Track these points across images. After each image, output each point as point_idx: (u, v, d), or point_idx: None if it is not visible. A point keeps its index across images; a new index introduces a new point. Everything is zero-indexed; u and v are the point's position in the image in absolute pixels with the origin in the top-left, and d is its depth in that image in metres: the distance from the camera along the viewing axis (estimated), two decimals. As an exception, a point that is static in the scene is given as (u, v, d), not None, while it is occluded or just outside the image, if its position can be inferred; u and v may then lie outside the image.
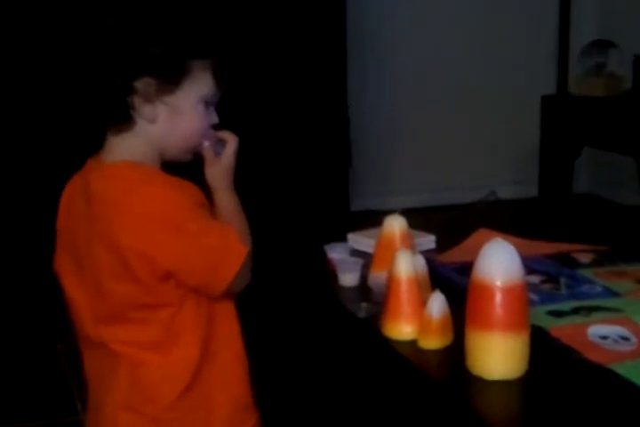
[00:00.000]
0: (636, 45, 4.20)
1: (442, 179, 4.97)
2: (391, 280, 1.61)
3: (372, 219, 2.00)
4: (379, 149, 4.86)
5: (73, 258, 1.52)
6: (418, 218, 1.98)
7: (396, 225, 1.83)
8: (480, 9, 4.85)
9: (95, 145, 1.51)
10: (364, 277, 1.86)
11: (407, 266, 1.60)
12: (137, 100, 1.45)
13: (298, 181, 4.16)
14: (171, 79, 1.46)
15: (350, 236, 2.10)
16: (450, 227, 2.23)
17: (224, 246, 1.45)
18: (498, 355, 1.42)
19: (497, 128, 4.99)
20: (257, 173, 3.93)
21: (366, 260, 1.88)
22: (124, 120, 1.46)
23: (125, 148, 1.48)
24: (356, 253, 1.99)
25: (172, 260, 1.42)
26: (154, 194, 1.43)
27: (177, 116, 1.48)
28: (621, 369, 1.44)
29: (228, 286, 1.46)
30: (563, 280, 1.81)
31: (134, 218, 1.41)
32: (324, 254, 1.95)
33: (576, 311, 1.68)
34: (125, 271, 1.43)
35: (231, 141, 1.56)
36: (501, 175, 5.02)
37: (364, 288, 1.84)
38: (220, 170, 1.56)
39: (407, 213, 1.86)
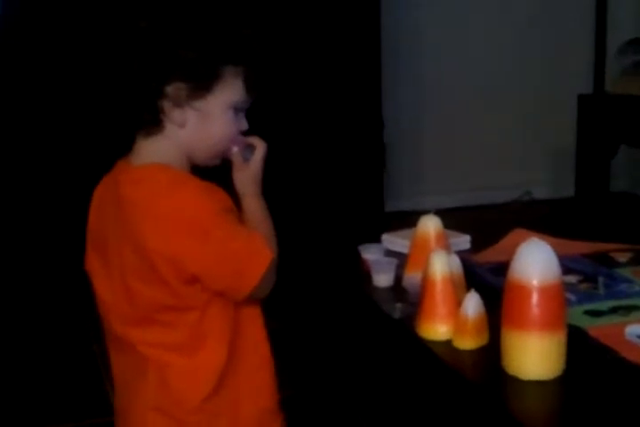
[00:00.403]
0: (674, 43, 4.16)
1: (476, 179, 4.95)
2: (426, 280, 1.60)
3: (407, 219, 2.00)
4: (412, 151, 4.85)
5: (102, 259, 1.53)
6: (452, 218, 1.98)
7: (430, 225, 1.83)
8: (515, 7, 4.83)
9: (124, 147, 1.52)
10: (398, 278, 1.86)
11: (442, 266, 1.60)
12: (167, 105, 1.45)
13: (333, 183, 4.17)
14: (202, 85, 1.46)
15: (384, 236, 2.09)
16: (485, 227, 2.22)
17: (249, 252, 1.45)
18: (534, 355, 1.41)
19: (532, 127, 4.96)
20: (293, 176, 3.94)
21: (401, 260, 1.88)
22: (153, 123, 1.47)
23: (154, 151, 1.49)
24: (390, 253, 1.99)
25: (197, 264, 1.42)
26: (182, 197, 1.43)
27: (206, 122, 1.48)
28: (660, 369, 1.42)
29: (252, 290, 1.46)
30: (600, 280, 1.79)
31: (162, 221, 1.41)
32: (358, 255, 1.95)
33: (614, 311, 1.66)
34: (152, 274, 1.43)
35: (260, 147, 1.56)
36: (537, 175, 4.99)
37: (398, 289, 1.83)
38: (248, 176, 1.56)
39: (441, 214, 1.86)
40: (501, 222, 2.72)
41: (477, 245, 2.07)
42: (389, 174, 4.46)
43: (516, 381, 1.42)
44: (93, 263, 1.56)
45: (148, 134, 1.48)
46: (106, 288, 1.52)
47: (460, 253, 1.79)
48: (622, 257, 1.96)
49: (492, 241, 2.08)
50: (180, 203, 1.42)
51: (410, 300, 1.71)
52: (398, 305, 1.74)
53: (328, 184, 4.16)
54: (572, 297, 1.69)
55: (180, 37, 1.44)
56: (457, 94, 4.85)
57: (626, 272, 1.86)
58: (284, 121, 3.99)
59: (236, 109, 1.51)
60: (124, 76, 1.46)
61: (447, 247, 1.79)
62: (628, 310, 1.66)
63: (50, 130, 3.79)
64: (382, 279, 1.86)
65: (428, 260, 1.61)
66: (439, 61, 4.79)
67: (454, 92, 4.84)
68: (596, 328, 1.58)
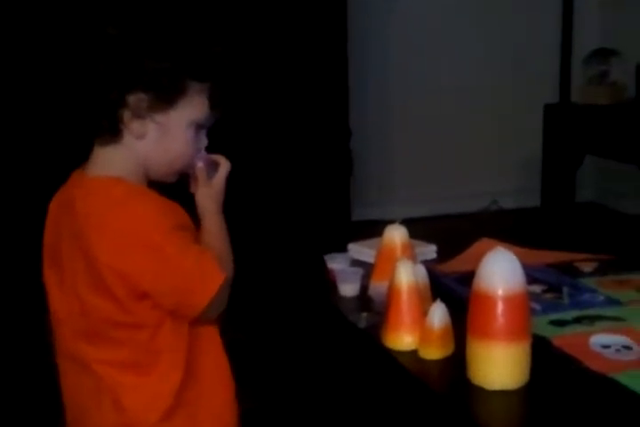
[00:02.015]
0: (639, 53, 4.20)
1: (443, 188, 4.97)
2: (392, 290, 1.60)
3: (373, 229, 1.99)
4: (380, 160, 4.85)
5: (57, 272, 1.51)
6: (419, 228, 1.98)
7: (396, 235, 1.83)
8: (481, 18, 4.85)
9: (82, 155, 1.50)
10: (364, 288, 1.85)
11: (408, 276, 1.59)
12: (127, 114, 1.43)
13: (299, 191, 4.16)
14: (165, 97, 1.43)
15: (350, 246, 2.09)
16: (451, 237, 2.22)
17: (201, 271, 1.42)
18: (499, 365, 1.41)
19: (499, 137, 4.99)
20: (258, 183, 3.93)
21: (367, 270, 1.87)
22: (111, 132, 1.44)
23: (110, 161, 1.46)
24: (356, 263, 1.99)
25: (148, 281, 1.40)
26: (135, 212, 1.41)
27: (166, 136, 1.46)
28: (623, 378, 1.43)
29: (202, 310, 1.44)
30: (565, 289, 1.80)
31: (113, 235, 1.40)
32: (324, 265, 1.95)
33: (578, 321, 1.67)
34: (104, 289, 1.41)
35: (223, 165, 1.54)
36: (504, 185, 5.01)
37: (364, 298, 1.83)
38: (210, 193, 1.53)
39: (408, 223, 1.86)
40: (468, 232, 2.73)
41: (444, 255, 2.08)
42: (356, 183, 4.46)
43: (481, 390, 1.42)
44: (49, 276, 1.54)
45: (106, 143, 1.46)
46: (60, 302, 1.51)
47: (426, 263, 1.79)
48: (587, 267, 1.97)
49: (459, 251, 2.09)
50: (133, 217, 1.40)
51: (375, 309, 1.71)
52: (364, 315, 1.73)
53: (294, 192, 4.15)
54: (537, 307, 1.69)
55: (148, 48, 1.42)
56: (425, 104, 4.86)
57: (590, 282, 1.87)
58: (250, 128, 3.98)
59: (199, 126, 1.49)
60: (86, 81, 1.44)
61: (413, 257, 1.79)
62: (592, 319, 1.67)
63: (10, 134, 3.75)
64: (348, 289, 1.86)
65: (394, 269, 1.61)
66: (407, 71, 4.80)
67: (422, 102, 4.85)
68: (561, 338, 1.59)
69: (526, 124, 4.73)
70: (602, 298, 1.77)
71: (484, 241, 2.09)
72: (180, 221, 1.45)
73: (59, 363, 1.56)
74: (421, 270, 1.66)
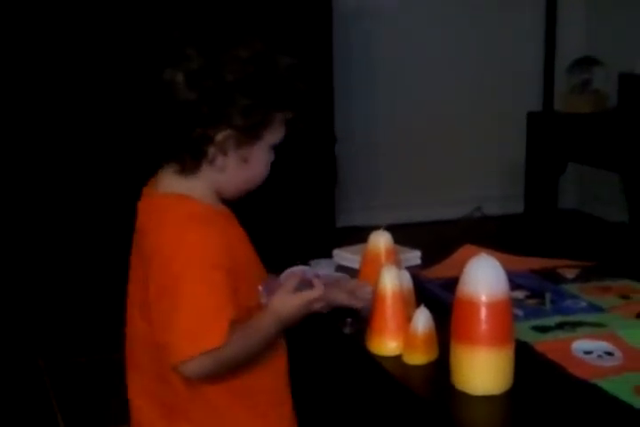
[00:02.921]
0: (621, 63, 4.22)
1: (427, 195, 4.98)
2: (376, 296, 1.61)
3: (358, 235, 2.00)
4: (364, 166, 4.86)
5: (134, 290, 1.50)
6: (403, 234, 1.98)
7: (381, 241, 1.84)
8: (466, 25, 4.87)
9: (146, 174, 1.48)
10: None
11: (392, 281, 1.60)
12: (212, 151, 1.40)
13: (284, 198, 4.16)
14: (253, 133, 1.41)
15: (336, 251, 2.10)
16: (435, 243, 2.23)
17: (197, 326, 1.34)
18: (482, 370, 1.42)
19: (483, 145, 5.00)
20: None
21: (351, 276, 1.88)
22: (191, 166, 1.41)
23: (182, 185, 1.43)
24: (341, 268, 1.99)
25: (155, 304, 1.38)
26: (183, 238, 1.37)
27: (247, 166, 1.44)
28: (605, 384, 1.44)
29: (176, 365, 1.35)
30: (547, 295, 1.81)
31: (161, 256, 1.37)
32: (309, 270, 1.95)
33: (560, 327, 1.68)
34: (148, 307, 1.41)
35: (316, 289, 1.46)
36: (487, 191, 5.03)
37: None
38: (287, 301, 1.44)
39: (392, 229, 1.86)
40: (452, 238, 2.74)
41: (428, 261, 2.08)
42: (341, 189, 4.46)
43: (464, 396, 1.43)
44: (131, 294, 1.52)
45: (182, 173, 1.43)
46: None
47: (411, 269, 1.80)
48: (569, 273, 1.98)
49: (443, 257, 2.10)
50: (180, 243, 1.37)
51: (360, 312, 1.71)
52: (348, 320, 1.74)
53: (279, 198, 4.15)
54: (520, 313, 1.71)
55: (238, 83, 1.38)
56: (410, 110, 4.87)
57: (573, 288, 1.88)
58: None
59: (273, 148, 1.48)
60: (173, 116, 1.38)
61: (398, 263, 1.80)
62: (575, 325, 1.68)
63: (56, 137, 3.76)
64: (333, 294, 1.86)
65: (379, 275, 1.61)
66: (392, 78, 4.82)
67: (407, 108, 4.87)
68: (543, 344, 1.60)
69: (510, 132, 4.75)
70: (584, 304, 1.78)
71: (468, 247, 2.10)
72: (223, 259, 1.39)
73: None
74: (406, 276, 1.67)
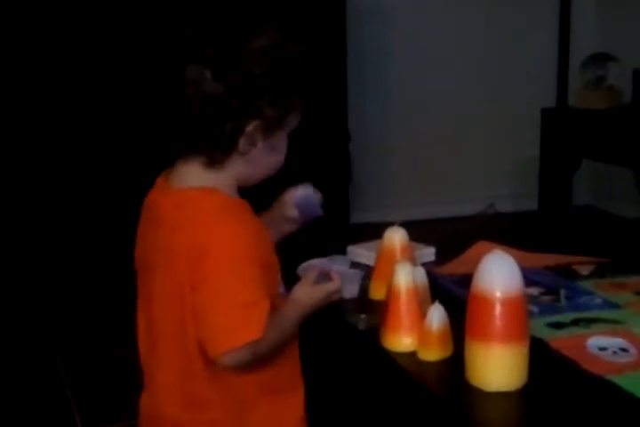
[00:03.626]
0: (636, 59, 4.21)
1: (441, 192, 4.98)
2: (391, 292, 1.61)
3: (372, 231, 2.00)
4: (378, 163, 4.86)
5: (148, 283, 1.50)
6: (417, 230, 1.99)
7: (396, 237, 1.84)
8: (479, 22, 4.86)
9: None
10: (363, 290, 1.86)
11: (407, 278, 1.60)
12: (242, 143, 1.42)
13: (298, 195, 4.17)
14: (280, 122, 1.44)
15: (350, 248, 2.10)
16: (449, 239, 2.23)
17: (239, 318, 1.38)
18: (497, 367, 1.42)
19: (496, 141, 5.00)
20: (257, 186, 3.93)
21: (366, 272, 1.89)
22: (222, 160, 1.43)
23: (207, 178, 1.45)
24: (355, 265, 2.00)
25: (197, 301, 1.39)
26: (215, 231, 1.39)
27: (270, 154, 1.47)
28: (620, 381, 1.44)
29: (218, 356, 1.39)
30: (562, 292, 1.81)
31: (190, 251, 1.38)
32: (323, 267, 1.95)
33: (575, 323, 1.68)
34: (179, 302, 1.42)
35: (335, 282, 1.50)
36: (501, 188, 5.02)
37: (363, 300, 1.84)
38: (309, 292, 1.48)
39: (407, 226, 1.87)
40: (466, 235, 2.73)
41: (442, 258, 2.09)
42: (355, 186, 4.47)
43: (479, 392, 1.43)
44: (141, 288, 1.54)
45: (209, 165, 1.44)
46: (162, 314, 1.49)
47: (425, 265, 1.80)
48: (584, 270, 1.98)
49: (457, 253, 2.10)
50: (213, 236, 1.39)
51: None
52: (363, 316, 1.75)
53: (294, 195, 4.16)
54: (535, 309, 1.71)
55: (270, 76, 1.41)
56: (423, 108, 4.87)
57: (587, 285, 1.88)
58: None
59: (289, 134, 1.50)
60: (205, 109, 1.40)
61: (412, 259, 1.80)
62: (589, 322, 1.68)
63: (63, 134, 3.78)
64: (348, 291, 1.86)
65: (394, 271, 1.62)
66: (406, 75, 4.82)
67: (421, 106, 4.86)
68: (558, 340, 1.60)
69: (524, 129, 4.75)
70: (599, 301, 1.78)
71: (482, 244, 2.10)
72: (258, 252, 1.42)
73: None
74: (420, 272, 1.67)
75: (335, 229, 4.16)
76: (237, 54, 1.40)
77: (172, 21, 3.51)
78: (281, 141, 1.48)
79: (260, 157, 1.46)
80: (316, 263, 1.51)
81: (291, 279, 1.55)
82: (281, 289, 1.52)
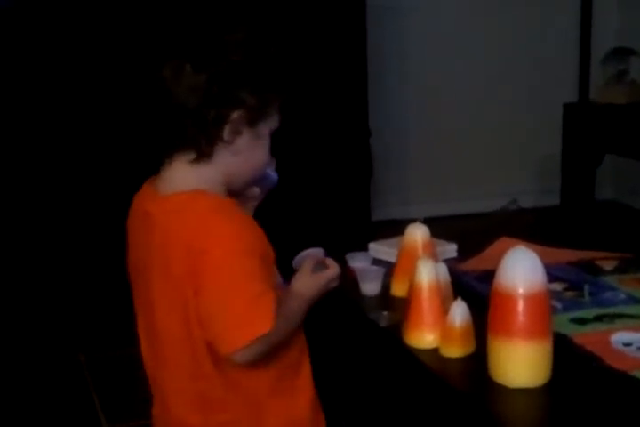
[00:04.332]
0: (657, 53, 4.19)
1: (463, 188, 4.96)
2: (413, 289, 1.61)
3: (394, 228, 2.00)
4: (399, 159, 4.86)
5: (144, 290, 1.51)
6: (439, 227, 1.98)
7: (418, 234, 1.84)
8: (498, 19, 4.85)
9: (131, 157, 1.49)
10: (385, 286, 1.86)
11: (429, 274, 1.60)
12: (226, 131, 1.43)
13: (320, 191, 4.17)
14: (263, 110, 1.46)
15: (371, 245, 2.10)
16: (471, 235, 2.22)
17: (248, 312, 1.38)
18: (520, 363, 1.42)
19: (519, 137, 4.98)
20: (280, 185, 3.93)
21: (387, 269, 1.88)
22: (208, 152, 1.44)
23: (197, 178, 1.45)
24: (377, 262, 2.00)
25: (203, 301, 1.40)
26: (212, 231, 1.40)
27: (255, 149, 1.48)
28: (645, 376, 1.43)
29: (230, 353, 1.40)
30: (586, 288, 1.80)
31: (189, 254, 1.39)
32: (345, 264, 1.96)
33: (599, 319, 1.67)
34: (180, 306, 1.43)
35: (332, 269, 1.50)
36: (523, 184, 5.00)
37: (385, 297, 1.84)
38: (308, 281, 1.47)
39: (428, 222, 1.86)
40: (488, 231, 2.73)
41: (464, 254, 2.08)
42: (377, 182, 4.46)
43: (502, 389, 1.43)
44: (138, 296, 1.55)
45: (196, 160, 1.44)
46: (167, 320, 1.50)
47: (447, 262, 1.80)
48: (608, 265, 1.97)
49: (479, 249, 2.09)
50: (210, 236, 1.39)
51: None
52: (385, 313, 1.74)
53: (315, 192, 4.16)
54: (558, 305, 1.70)
55: (245, 61, 1.43)
56: (443, 104, 4.86)
57: (611, 280, 1.87)
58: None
59: (271, 134, 1.51)
60: (188, 99, 1.41)
61: (434, 256, 1.80)
62: (613, 317, 1.67)
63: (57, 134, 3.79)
64: (369, 288, 1.87)
65: (416, 268, 1.61)
66: (425, 70, 4.80)
67: (440, 102, 4.85)
68: (582, 336, 1.59)
69: (545, 124, 4.73)
70: (623, 296, 1.77)
71: (505, 240, 2.09)
72: (255, 245, 1.43)
73: None
74: (442, 269, 1.67)
75: (356, 226, 4.16)
76: (216, 46, 1.43)
77: (151, 19, 3.50)
78: (264, 136, 1.49)
79: (245, 147, 1.46)
80: (311, 253, 1.51)
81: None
82: (278, 280, 1.52)
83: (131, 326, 1.62)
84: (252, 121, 1.45)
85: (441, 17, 4.78)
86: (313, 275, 1.48)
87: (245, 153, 1.47)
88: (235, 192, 1.52)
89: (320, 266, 1.50)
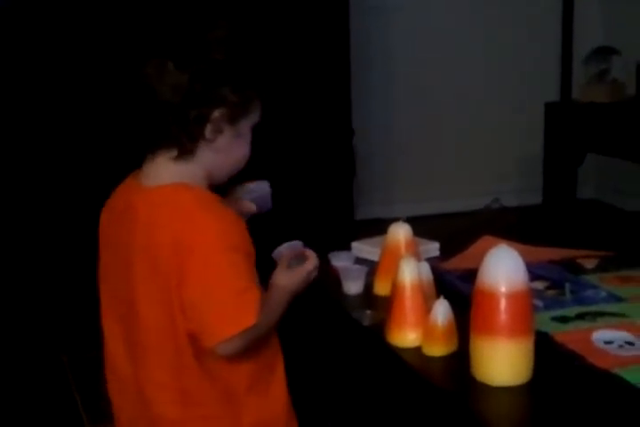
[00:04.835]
0: (639, 52, 4.20)
1: (446, 187, 4.98)
2: (396, 287, 1.61)
3: (377, 227, 2.00)
4: (383, 159, 4.86)
5: (116, 287, 1.52)
6: (422, 226, 1.99)
7: (400, 233, 1.84)
8: (481, 17, 4.86)
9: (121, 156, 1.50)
10: (368, 285, 1.86)
11: (412, 273, 1.60)
12: (208, 129, 1.44)
13: (303, 190, 4.17)
14: (244, 108, 1.47)
15: (354, 244, 2.10)
16: (454, 234, 2.23)
17: (233, 306, 1.40)
18: (502, 361, 1.42)
19: (501, 135, 4.99)
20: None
21: (370, 268, 1.88)
22: (190, 149, 1.45)
23: (178, 173, 1.47)
24: (360, 261, 2.00)
25: (188, 293, 1.41)
26: (197, 225, 1.41)
27: (236, 144, 1.49)
28: (626, 374, 1.44)
29: (215, 345, 1.41)
30: (567, 286, 1.81)
31: (174, 248, 1.40)
32: (328, 263, 1.96)
33: (581, 317, 1.68)
34: (166, 297, 1.43)
35: (311, 260, 1.50)
36: (505, 183, 5.02)
37: (368, 296, 1.84)
38: (287, 275, 1.48)
39: (411, 221, 1.87)
40: (470, 230, 2.74)
41: (447, 253, 2.09)
42: (360, 182, 4.47)
43: (484, 387, 1.43)
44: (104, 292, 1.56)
45: (178, 158, 1.46)
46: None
47: (430, 261, 1.80)
48: (589, 264, 1.98)
49: (462, 248, 2.10)
50: (195, 230, 1.40)
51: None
52: (368, 312, 1.75)
53: (298, 191, 4.16)
54: (540, 303, 1.71)
55: (231, 64, 1.45)
56: (427, 103, 4.87)
57: (592, 279, 1.88)
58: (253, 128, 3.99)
59: (252, 129, 1.53)
60: (168, 98, 1.42)
61: (417, 255, 1.80)
62: (595, 315, 1.68)
63: (53, 134, 3.77)
64: (352, 287, 1.87)
65: (398, 267, 1.62)
66: (409, 70, 4.81)
67: (424, 101, 4.86)
68: (563, 334, 1.60)
69: (527, 123, 4.74)
70: (604, 294, 1.78)
71: (487, 238, 2.09)
72: (240, 242, 1.45)
73: None
74: (425, 268, 1.67)
75: (339, 225, 4.16)
76: (197, 44, 1.44)
77: (136, 17, 3.50)
78: (245, 132, 1.50)
79: (227, 145, 1.47)
80: (291, 245, 1.52)
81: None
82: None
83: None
84: (234, 119, 1.46)
85: (425, 17, 4.79)
86: (293, 268, 1.49)
87: (227, 150, 1.48)
88: (215, 185, 1.52)
89: (300, 258, 1.51)
